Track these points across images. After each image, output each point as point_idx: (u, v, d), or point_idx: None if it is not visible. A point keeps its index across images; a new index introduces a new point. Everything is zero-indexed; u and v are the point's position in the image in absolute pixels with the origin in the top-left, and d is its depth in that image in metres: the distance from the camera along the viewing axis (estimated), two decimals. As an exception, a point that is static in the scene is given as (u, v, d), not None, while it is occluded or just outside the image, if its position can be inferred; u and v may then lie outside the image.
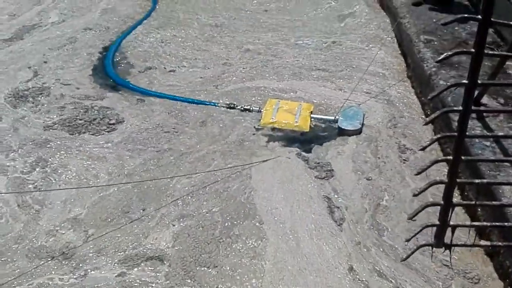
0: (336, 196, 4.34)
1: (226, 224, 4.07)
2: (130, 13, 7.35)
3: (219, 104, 5.48)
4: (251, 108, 5.39)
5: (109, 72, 6.02)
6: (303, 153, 4.83)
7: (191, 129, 5.16)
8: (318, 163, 4.70)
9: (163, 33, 6.89)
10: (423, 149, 2.89)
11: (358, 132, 5.06)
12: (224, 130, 5.16)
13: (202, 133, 5.11)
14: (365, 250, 3.87)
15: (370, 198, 4.32)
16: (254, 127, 5.17)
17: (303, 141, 5.03)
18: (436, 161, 3.04)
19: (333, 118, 5.22)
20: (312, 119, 5.26)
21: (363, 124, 5.13)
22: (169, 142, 4.97)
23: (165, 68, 6.17)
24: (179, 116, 5.35)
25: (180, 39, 6.77)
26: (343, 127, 5.08)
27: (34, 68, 6.05)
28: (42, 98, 5.56)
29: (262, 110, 5.35)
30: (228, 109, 5.41)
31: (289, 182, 4.47)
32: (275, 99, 5.53)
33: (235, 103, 5.47)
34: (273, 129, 5.15)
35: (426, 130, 5.03)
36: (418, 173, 3.00)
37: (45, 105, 5.46)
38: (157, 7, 7.56)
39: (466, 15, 2.80)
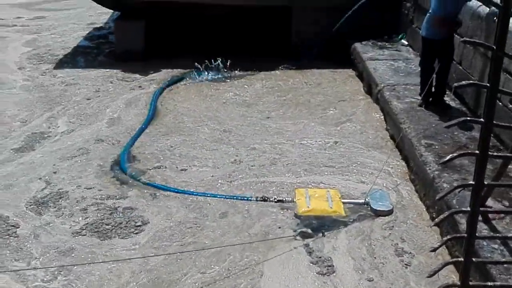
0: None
1: None
2: (134, 123, 7.47)
3: (252, 198, 5.61)
4: (284, 199, 5.58)
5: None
6: (309, 247, 4.90)
7: (211, 222, 5.25)
8: (320, 257, 4.74)
9: (172, 139, 7.01)
10: (434, 250, 2.88)
11: (391, 212, 5.35)
12: (249, 220, 5.27)
13: (223, 224, 5.20)
14: None
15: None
16: (295, 214, 5.34)
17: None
18: (447, 263, 3.01)
19: (363, 201, 5.50)
20: (344, 203, 5.51)
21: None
22: (194, 236, 5.05)
23: (177, 167, 6.27)
24: (197, 209, 5.47)
25: (190, 142, 6.92)
26: (376, 208, 5.36)
27: (45, 179, 6.03)
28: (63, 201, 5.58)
29: (294, 200, 5.53)
30: (261, 201, 5.55)
31: (295, 280, 4.47)
32: (302, 188, 5.73)
33: (267, 196, 5.62)
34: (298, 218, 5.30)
35: (430, 236, 5.00)
36: (430, 275, 2.95)
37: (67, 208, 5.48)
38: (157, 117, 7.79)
39: (469, 118, 2.88)
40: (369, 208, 5.42)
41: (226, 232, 5.11)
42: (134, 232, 5.13)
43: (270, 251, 4.81)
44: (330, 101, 8.22)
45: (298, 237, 5.02)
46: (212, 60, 9.39)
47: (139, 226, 5.21)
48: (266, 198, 5.60)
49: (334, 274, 4.54)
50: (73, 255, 4.79)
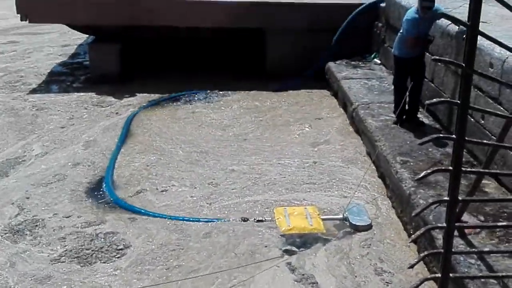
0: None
1: None
2: (110, 145, 7.44)
3: (231, 219, 5.59)
4: (264, 219, 5.59)
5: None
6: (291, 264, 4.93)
7: (195, 243, 5.21)
8: (303, 274, 4.76)
9: (148, 157, 7.01)
10: (412, 266, 2.89)
11: (370, 226, 5.42)
12: (234, 239, 5.25)
13: (208, 245, 5.18)
14: None
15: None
16: (281, 235, 5.35)
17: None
18: (425, 279, 3.02)
19: (341, 216, 5.56)
20: (323, 219, 5.55)
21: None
22: (178, 259, 4.99)
23: (157, 189, 6.24)
24: (178, 230, 5.42)
25: (164, 162, 6.90)
26: (355, 223, 5.43)
27: (17, 204, 5.93)
28: (40, 230, 5.46)
29: (274, 220, 5.54)
30: (242, 222, 5.55)
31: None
32: (280, 207, 5.76)
33: (247, 217, 5.63)
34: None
35: (410, 256, 5.01)
36: (408, 292, 2.96)
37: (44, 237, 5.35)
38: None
39: (441, 135, 2.93)
40: (347, 224, 5.46)
41: (212, 253, 5.07)
42: (116, 256, 5.02)
43: (257, 270, 4.81)
44: (308, 120, 8.26)
45: (285, 255, 5.03)
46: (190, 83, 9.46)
47: (121, 249, 5.12)
48: (246, 219, 5.60)
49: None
50: (49, 282, 4.67)
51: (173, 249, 5.14)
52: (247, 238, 5.30)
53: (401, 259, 4.98)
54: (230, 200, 6.00)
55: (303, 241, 5.26)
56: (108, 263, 4.94)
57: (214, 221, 5.59)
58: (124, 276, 4.77)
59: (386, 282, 4.67)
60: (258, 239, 5.29)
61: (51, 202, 5.98)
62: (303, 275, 4.76)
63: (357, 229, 5.40)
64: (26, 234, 5.39)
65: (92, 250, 5.11)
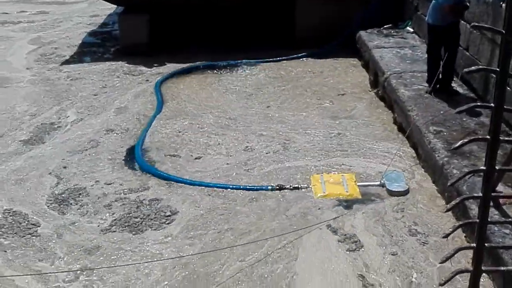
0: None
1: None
2: (141, 109, 7.59)
3: (270, 188, 5.59)
4: (300, 186, 5.60)
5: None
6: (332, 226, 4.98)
7: (242, 206, 5.29)
8: (345, 235, 4.84)
9: (179, 123, 7.16)
10: (446, 236, 2.88)
11: (406, 192, 5.41)
12: (284, 202, 5.33)
13: (256, 209, 5.24)
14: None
15: (398, 275, 4.35)
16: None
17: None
18: (460, 249, 3.01)
19: (378, 183, 5.55)
20: (360, 186, 5.57)
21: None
22: (228, 222, 5.05)
23: (191, 155, 6.31)
24: (221, 196, 5.49)
25: (197, 126, 7.05)
26: (392, 189, 5.43)
27: (55, 173, 6.00)
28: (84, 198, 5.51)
29: (310, 187, 5.56)
30: (279, 190, 5.55)
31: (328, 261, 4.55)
32: (317, 174, 5.78)
33: (283, 184, 5.63)
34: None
35: (446, 219, 4.97)
36: (443, 262, 2.95)
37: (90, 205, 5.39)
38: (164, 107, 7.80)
39: (479, 103, 2.87)
40: (385, 190, 5.48)
41: (262, 216, 5.13)
42: (166, 223, 5.05)
43: (306, 232, 4.88)
44: (336, 89, 8.20)
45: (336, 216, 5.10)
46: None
47: (169, 216, 5.16)
48: (281, 186, 5.59)
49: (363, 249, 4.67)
50: (98, 253, 4.66)
51: (221, 214, 5.19)
52: (299, 201, 5.36)
53: (437, 223, 4.96)
54: (269, 167, 6.00)
55: (348, 205, 5.31)
56: (158, 230, 4.97)
57: (246, 189, 5.59)
58: (176, 242, 4.78)
59: (422, 242, 4.72)
60: (311, 202, 5.34)
61: (89, 170, 6.08)
62: (345, 235, 4.84)
63: (393, 194, 5.41)
64: (71, 203, 5.43)
65: (141, 218, 5.13)
